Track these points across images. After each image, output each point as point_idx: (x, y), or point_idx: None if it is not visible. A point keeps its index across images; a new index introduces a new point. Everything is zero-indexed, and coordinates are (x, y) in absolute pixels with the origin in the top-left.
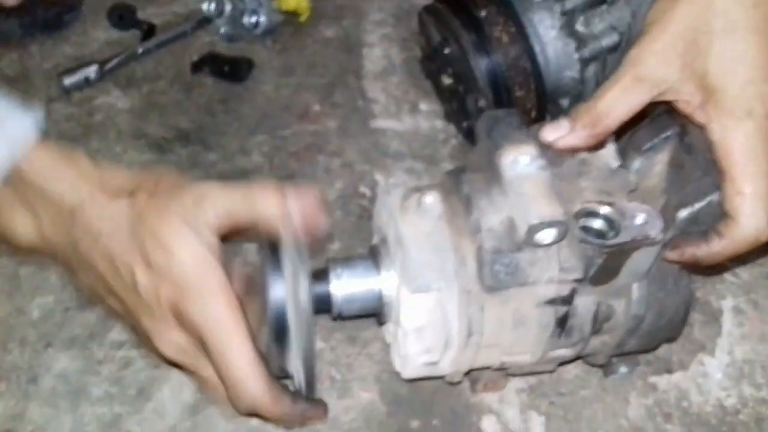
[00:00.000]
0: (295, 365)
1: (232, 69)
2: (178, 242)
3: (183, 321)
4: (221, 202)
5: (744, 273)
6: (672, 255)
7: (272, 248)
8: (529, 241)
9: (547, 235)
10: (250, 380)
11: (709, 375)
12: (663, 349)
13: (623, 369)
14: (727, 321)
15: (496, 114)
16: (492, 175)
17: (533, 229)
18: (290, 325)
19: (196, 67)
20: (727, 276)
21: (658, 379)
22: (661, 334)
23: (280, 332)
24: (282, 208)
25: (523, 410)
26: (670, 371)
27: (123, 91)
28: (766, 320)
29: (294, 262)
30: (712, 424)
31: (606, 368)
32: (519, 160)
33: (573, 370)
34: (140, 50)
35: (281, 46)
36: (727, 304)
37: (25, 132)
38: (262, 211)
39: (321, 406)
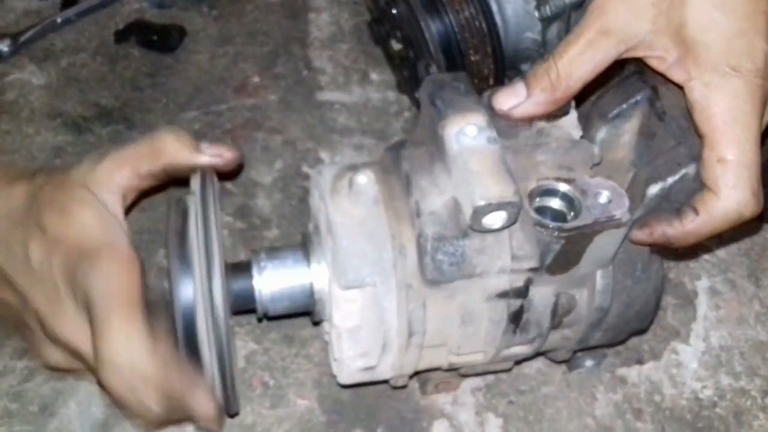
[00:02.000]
0: (211, 377)
1: (161, 38)
2: (74, 203)
3: (75, 286)
4: (121, 162)
5: (720, 250)
6: (640, 235)
7: (180, 238)
8: (475, 226)
9: (495, 219)
10: (132, 342)
11: (683, 365)
12: (633, 338)
13: (589, 362)
14: (702, 304)
15: (441, 78)
16: (435, 149)
17: (479, 212)
18: (201, 331)
19: (121, 36)
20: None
21: (628, 371)
22: (629, 326)
23: (190, 340)
24: (190, 151)
25: (479, 412)
26: (640, 362)
27: (39, 66)
28: (744, 301)
29: (203, 247)
30: (686, 420)
31: (570, 363)
32: (465, 132)
33: (534, 364)
34: (59, 20)
35: (218, 12)
36: (702, 284)
37: None
38: (170, 158)
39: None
